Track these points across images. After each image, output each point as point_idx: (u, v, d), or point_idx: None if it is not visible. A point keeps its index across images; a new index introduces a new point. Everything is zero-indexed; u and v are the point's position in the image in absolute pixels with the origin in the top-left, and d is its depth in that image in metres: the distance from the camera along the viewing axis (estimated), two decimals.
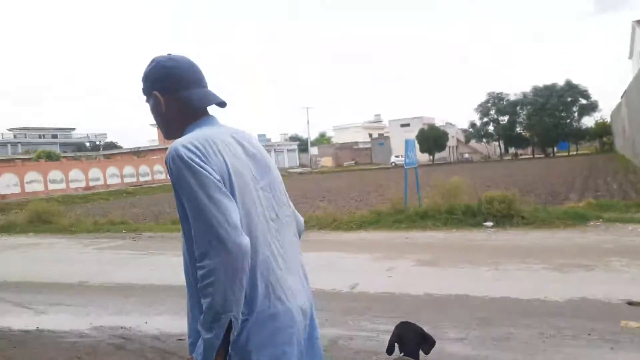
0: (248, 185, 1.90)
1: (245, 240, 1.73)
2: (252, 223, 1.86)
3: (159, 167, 57.61)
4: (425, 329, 3.23)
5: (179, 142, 1.82)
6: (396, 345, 3.07)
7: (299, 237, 2.28)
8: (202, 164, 1.76)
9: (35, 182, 46.43)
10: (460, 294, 6.80)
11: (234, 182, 1.83)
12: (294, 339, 1.89)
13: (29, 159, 54.98)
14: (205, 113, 2.08)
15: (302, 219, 2.33)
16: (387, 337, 5.41)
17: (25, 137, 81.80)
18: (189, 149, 1.78)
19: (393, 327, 2.97)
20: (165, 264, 10.56)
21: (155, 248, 12.60)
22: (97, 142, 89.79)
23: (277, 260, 1.94)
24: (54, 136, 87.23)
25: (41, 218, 17.49)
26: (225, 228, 1.69)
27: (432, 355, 4.80)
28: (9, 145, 75.78)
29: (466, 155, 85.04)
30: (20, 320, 6.86)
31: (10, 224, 18.26)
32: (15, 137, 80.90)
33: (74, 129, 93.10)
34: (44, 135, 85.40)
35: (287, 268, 1.99)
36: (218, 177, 1.77)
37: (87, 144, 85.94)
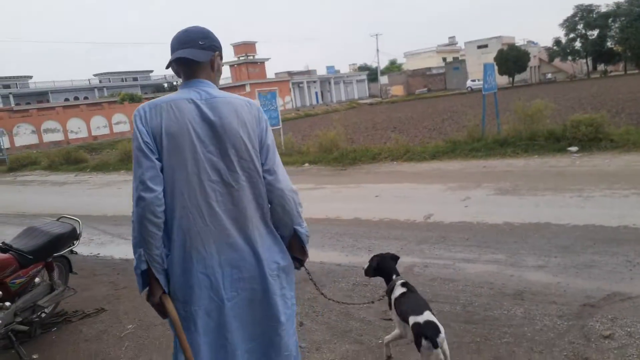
0: (183, 147, 2.14)
1: (149, 195, 2.08)
2: (177, 180, 2.14)
3: None
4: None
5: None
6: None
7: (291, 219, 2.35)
8: (139, 125, 2.14)
9: (121, 123, 49.46)
10: (541, 222, 6.61)
11: (163, 143, 2.12)
12: (207, 283, 2.20)
13: (115, 101, 58.23)
14: (188, 78, 2.28)
15: (290, 203, 2.33)
16: (464, 266, 5.47)
17: (109, 82, 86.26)
18: (138, 111, 2.18)
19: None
20: None
21: None
22: (174, 83, 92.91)
23: (203, 216, 2.18)
24: (135, 79, 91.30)
25: (130, 157, 18.69)
26: (137, 182, 2.10)
27: (511, 282, 4.79)
28: (95, 90, 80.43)
29: (549, 75, 79.07)
30: (120, 250, 7.58)
31: (103, 163, 19.77)
32: (100, 81, 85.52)
33: (152, 71, 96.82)
34: (125, 79, 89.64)
35: (218, 225, 2.20)
36: (147, 139, 2.11)
37: (165, 85, 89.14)
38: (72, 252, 5.02)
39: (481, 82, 14.78)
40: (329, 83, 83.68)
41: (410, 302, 3.07)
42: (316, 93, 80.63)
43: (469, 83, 71.04)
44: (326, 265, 5.80)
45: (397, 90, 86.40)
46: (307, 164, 14.78)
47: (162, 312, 2.24)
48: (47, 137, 43.27)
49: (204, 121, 2.17)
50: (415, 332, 2.79)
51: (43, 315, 4.74)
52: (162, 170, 2.13)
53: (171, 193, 2.15)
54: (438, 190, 9.61)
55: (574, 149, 11.46)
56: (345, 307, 4.66)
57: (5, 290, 4.03)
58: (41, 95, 71.64)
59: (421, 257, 5.84)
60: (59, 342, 4.45)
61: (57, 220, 4.98)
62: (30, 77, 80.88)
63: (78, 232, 4.94)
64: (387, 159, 13.66)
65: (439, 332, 2.72)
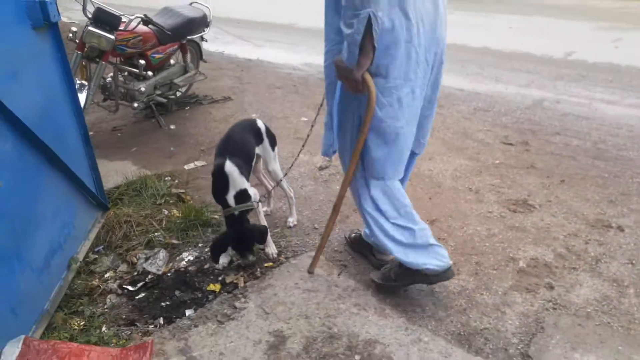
0: None
1: None
2: None
3: None
4: None
5: None
6: None
7: None
8: None
9: None
10: None
11: None
12: (411, 53, 1.93)
13: None
14: None
15: None
16: (602, 106, 4.98)
17: None
18: None
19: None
20: None
21: None
22: None
23: None
24: None
25: None
26: None
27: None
28: None
29: None
30: (243, 50, 7.79)
31: None
32: None
33: None
34: None
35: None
36: None
37: None
38: (202, 38, 5.21)
39: None
40: None
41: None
42: None
43: None
44: (446, 89, 5.56)
45: None
46: None
47: (358, 89, 1.98)
48: None
49: None
50: None
51: (178, 94, 5.16)
52: None
53: None
54: (584, 27, 8.46)
55: None
56: (462, 126, 4.55)
57: (147, 63, 4.35)
58: None
59: (554, 93, 5.38)
60: (192, 119, 4.88)
61: (190, 5, 5.08)
62: None
63: (208, 19, 5.06)
64: None
65: None
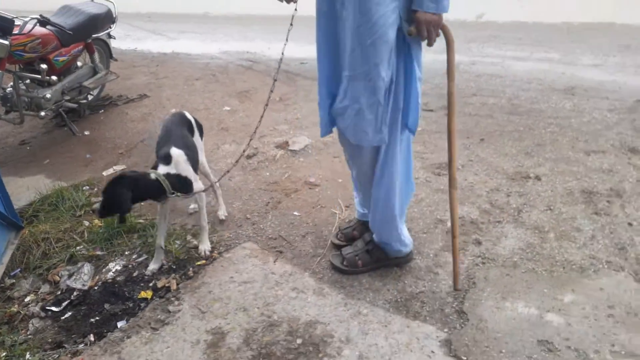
0: None
1: None
2: None
3: None
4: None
5: None
6: None
7: None
8: None
9: None
10: (604, 22, 6.05)
11: None
12: None
13: None
14: None
15: None
16: (513, 63, 5.18)
17: None
18: None
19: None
20: None
21: None
22: None
23: None
24: None
25: None
26: None
27: (562, 79, 4.51)
28: None
29: None
30: (157, 44, 7.48)
31: None
32: None
33: None
34: None
35: None
36: None
37: None
38: (109, 36, 4.93)
39: None
40: None
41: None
42: None
43: None
44: None
45: None
46: None
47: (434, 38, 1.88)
48: None
49: None
50: None
51: (90, 97, 4.87)
52: None
53: None
54: None
55: None
56: None
57: (50, 67, 4.06)
58: None
59: (468, 56, 5.54)
60: (107, 122, 4.63)
61: (91, 0, 4.78)
62: None
63: (114, 14, 4.78)
64: None
65: None
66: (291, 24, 2.23)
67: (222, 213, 2.95)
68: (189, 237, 2.80)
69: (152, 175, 2.32)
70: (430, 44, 1.89)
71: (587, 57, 5.05)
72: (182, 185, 2.41)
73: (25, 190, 3.44)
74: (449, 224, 2.68)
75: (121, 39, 7.54)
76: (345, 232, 2.59)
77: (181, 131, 2.61)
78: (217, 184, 2.95)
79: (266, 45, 6.84)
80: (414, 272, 2.35)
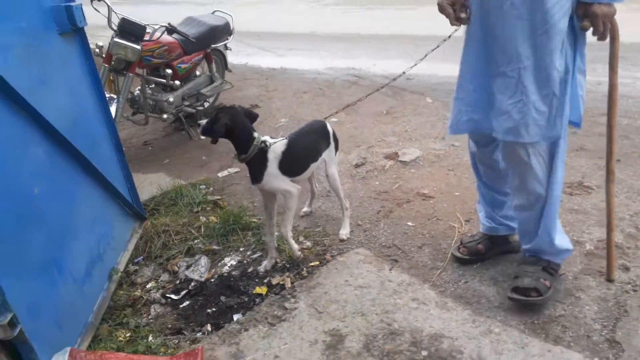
0: None
1: None
2: None
3: None
4: None
5: None
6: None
7: None
8: None
9: None
10: None
11: None
12: None
13: None
14: None
15: None
16: None
17: None
18: None
19: None
20: (385, 16, 10.46)
21: (374, 3, 12.45)
22: None
23: None
24: None
25: None
26: None
27: None
28: None
29: None
30: (266, 60, 7.75)
31: None
32: None
33: None
34: None
35: None
36: None
37: None
38: (226, 47, 5.17)
39: None
40: None
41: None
42: None
43: None
44: None
45: None
46: None
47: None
48: None
49: None
50: None
51: (206, 104, 5.10)
52: None
53: None
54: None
55: None
56: None
57: (174, 73, 4.31)
58: None
59: (594, 76, 5.09)
60: None
61: (212, 13, 5.05)
62: None
63: (231, 27, 5.01)
64: None
65: None
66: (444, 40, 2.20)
67: (344, 233, 2.76)
68: (301, 239, 2.76)
69: (255, 133, 2.35)
70: (602, 38, 1.76)
71: None
72: (259, 162, 2.37)
73: (148, 185, 3.63)
74: (587, 245, 2.42)
75: (233, 54, 7.88)
76: (468, 246, 2.41)
77: (310, 136, 2.58)
78: (348, 204, 2.83)
79: (371, 62, 6.84)
80: (552, 295, 2.12)
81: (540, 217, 2.05)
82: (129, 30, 3.74)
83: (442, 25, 2.08)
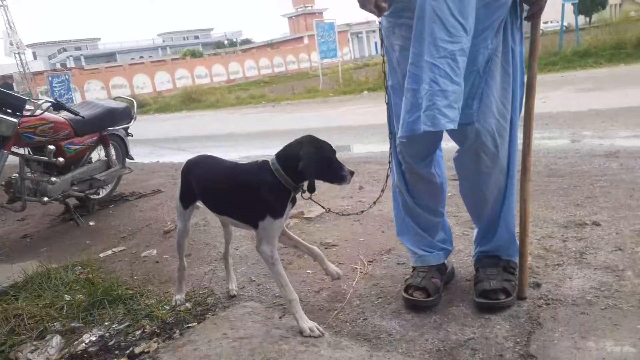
0: None
1: None
2: None
3: (291, 58, 58.16)
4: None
5: None
6: None
7: None
8: None
9: (184, 78, 50.28)
10: (629, 107, 5.86)
11: None
12: None
13: (177, 58, 59.21)
14: None
15: None
16: (545, 142, 4.88)
17: (172, 40, 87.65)
18: None
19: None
20: (300, 116, 10.80)
21: (292, 110, 12.95)
22: (234, 40, 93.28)
23: None
24: (196, 37, 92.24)
25: (191, 97, 18.96)
26: None
27: (601, 148, 4.19)
28: (159, 49, 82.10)
29: (632, 13, 72.03)
30: (179, 157, 7.54)
31: (165, 105, 20.18)
32: (163, 41, 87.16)
33: (212, 29, 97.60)
34: (187, 38, 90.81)
35: None
36: None
37: (225, 42, 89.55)
38: (127, 132, 4.91)
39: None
40: None
41: None
42: (375, 43, 77.48)
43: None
44: None
45: None
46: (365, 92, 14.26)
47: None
48: (115, 93, 44.78)
49: None
50: None
51: (103, 192, 4.71)
52: None
53: None
54: None
55: None
56: None
57: (61, 153, 3.94)
58: (109, 56, 74.03)
59: None
60: (116, 214, 4.39)
61: (113, 99, 4.86)
62: (99, 39, 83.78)
63: (133, 111, 4.80)
64: None
65: None
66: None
67: (233, 287, 2.37)
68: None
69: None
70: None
71: (623, 131, 4.76)
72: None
73: (11, 274, 3.08)
74: None
75: (145, 156, 7.69)
76: (423, 285, 1.97)
77: None
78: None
79: None
80: (458, 320, 1.82)
81: (500, 213, 2.00)
82: (5, 101, 3.43)
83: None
